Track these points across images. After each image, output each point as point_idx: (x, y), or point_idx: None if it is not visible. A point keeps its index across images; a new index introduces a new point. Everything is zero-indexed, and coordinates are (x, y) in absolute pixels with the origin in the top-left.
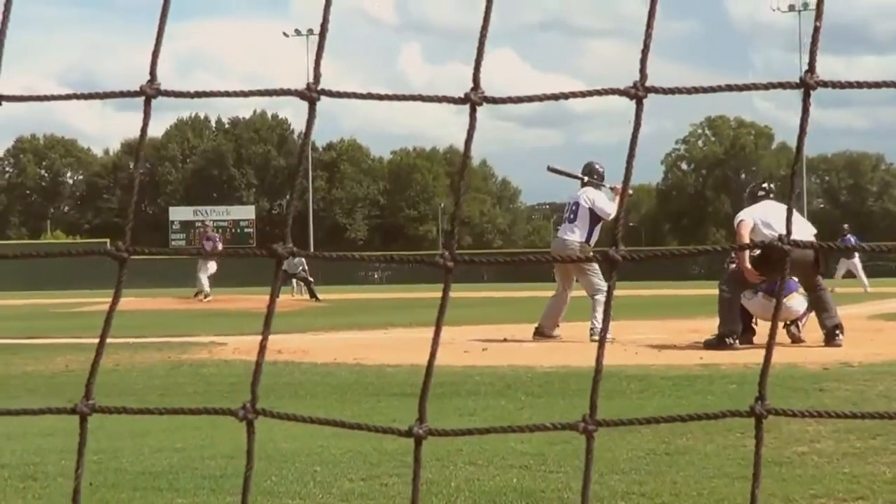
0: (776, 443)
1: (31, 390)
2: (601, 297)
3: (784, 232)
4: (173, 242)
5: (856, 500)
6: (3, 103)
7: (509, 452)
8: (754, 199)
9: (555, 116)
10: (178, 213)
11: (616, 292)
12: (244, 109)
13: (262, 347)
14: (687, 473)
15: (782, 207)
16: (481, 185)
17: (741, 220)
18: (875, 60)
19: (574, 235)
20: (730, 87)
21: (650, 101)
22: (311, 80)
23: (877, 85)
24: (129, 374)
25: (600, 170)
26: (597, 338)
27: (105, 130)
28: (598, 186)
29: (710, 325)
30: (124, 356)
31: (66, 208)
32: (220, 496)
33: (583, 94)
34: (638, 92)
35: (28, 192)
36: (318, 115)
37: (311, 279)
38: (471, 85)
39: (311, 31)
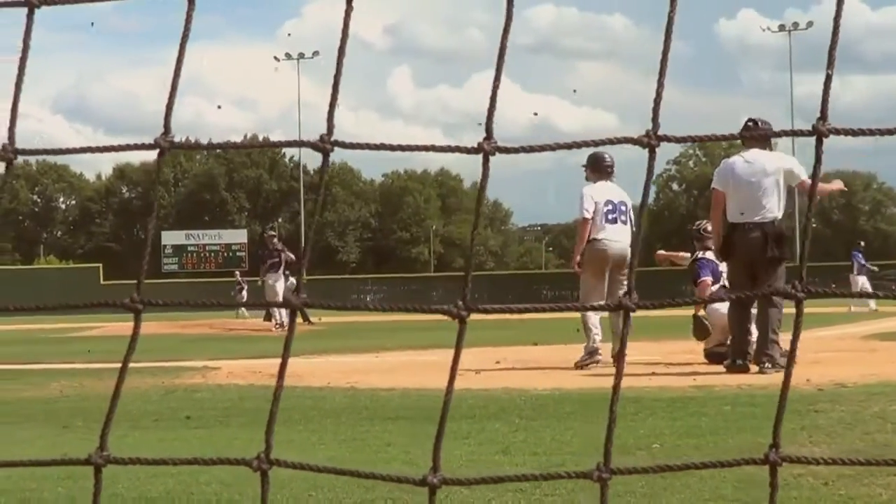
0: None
1: (28, 416)
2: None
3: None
4: (165, 267)
5: None
6: (19, 157)
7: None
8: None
9: (544, 138)
10: (171, 238)
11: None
12: (235, 134)
13: (277, 397)
14: (683, 496)
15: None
16: (473, 207)
17: (713, 187)
18: (866, 80)
19: (630, 238)
20: (742, 136)
21: (640, 121)
22: (324, 131)
23: (889, 132)
24: (123, 398)
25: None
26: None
27: (97, 156)
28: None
29: (700, 346)
30: None
31: (59, 233)
32: None
33: (595, 143)
34: (651, 141)
35: (21, 217)
36: (307, 137)
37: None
38: (482, 131)
39: (301, 56)
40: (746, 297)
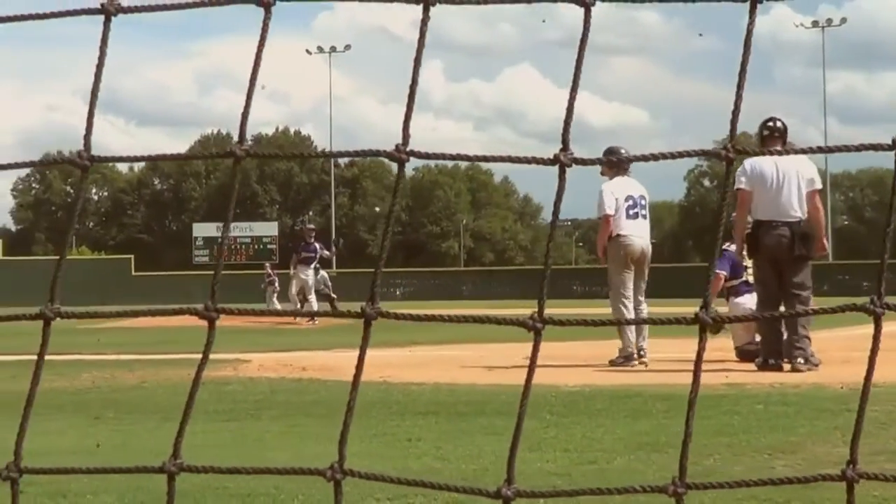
0: (804, 465)
1: (58, 407)
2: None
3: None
4: (197, 258)
5: None
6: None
7: (536, 473)
8: (763, 141)
9: (575, 133)
10: (202, 230)
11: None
12: (267, 126)
13: (350, 408)
14: (715, 495)
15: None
16: (503, 202)
17: (738, 187)
18: (894, 76)
19: (649, 232)
20: (821, 150)
21: (671, 118)
22: (399, 141)
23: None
24: (154, 391)
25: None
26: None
27: (130, 147)
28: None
29: (729, 344)
30: (149, 372)
31: (92, 224)
32: None
33: (672, 156)
34: (728, 154)
35: (54, 208)
36: (337, 131)
37: (334, 296)
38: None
39: (333, 49)
40: (775, 295)
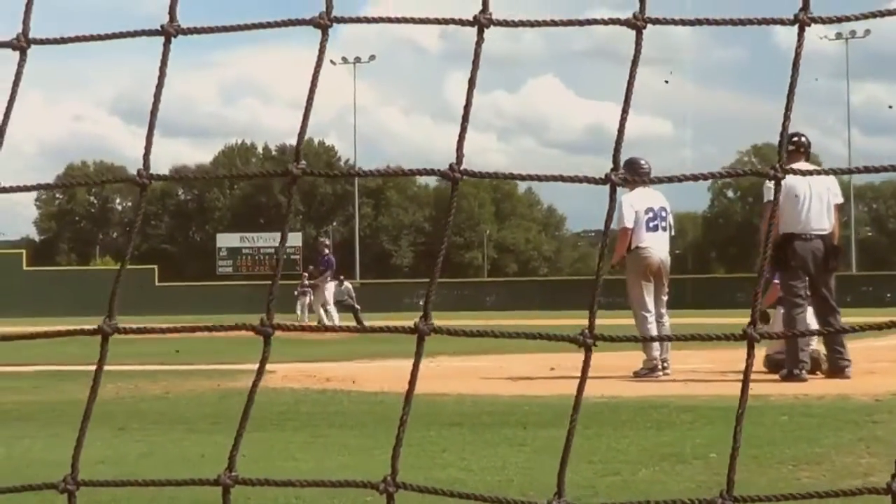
0: (829, 476)
1: (81, 418)
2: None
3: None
4: (220, 269)
5: None
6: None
7: None
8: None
9: (599, 143)
10: (225, 240)
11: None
12: (291, 137)
13: (403, 422)
14: None
15: (817, 177)
16: (527, 213)
17: (768, 200)
18: None
19: (669, 244)
20: (849, 171)
21: (695, 128)
22: (454, 161)
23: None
24: (179, 401)
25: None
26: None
27: (155, 157)
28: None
29: (759, 355)
30: (174, 383)
31: (115, 234)
32: None
33: (722, 176)
34: (777, 174)
35: (78, 218)
36: (361, 141)
37: (357, 306)
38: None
39: (358, 60)
40: (803, 305)
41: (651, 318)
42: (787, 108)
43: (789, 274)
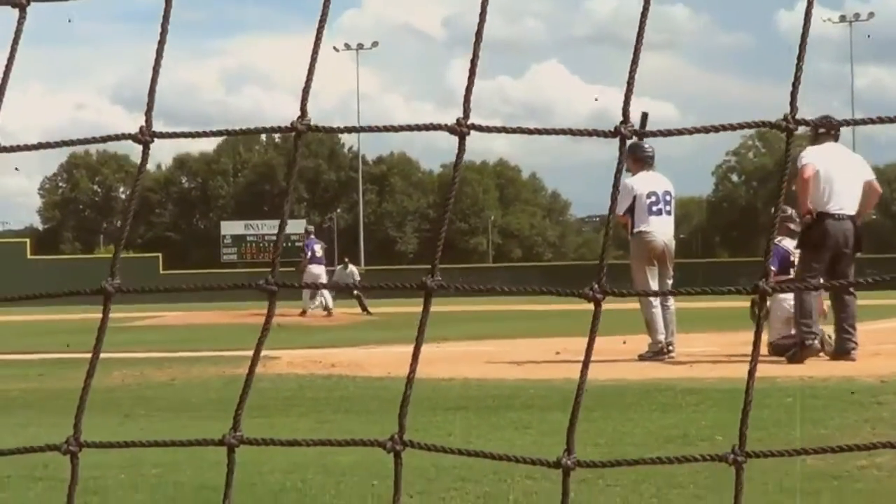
0: (834, 457)
1: (89, 406)
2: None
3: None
4: (225, 256)
5: None
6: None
7: None
8: (816, 137)
9: (605, 126)
10: (230, 228)
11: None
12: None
13: (410, 381)
14: (747, 488)
15: (848, 155)
16: (531, 198)
17: (805, 164)
18: None
19: (673, 228)
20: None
21: (698, 112)
22: (461, 115)
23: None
24: (185, 388)
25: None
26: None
27: (157, 146)
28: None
29: (764, 342)
30: (180, 370)
31: (119, 223)
32: None
33: (734, 127)
34: (789, 125)
35: (81, 206)
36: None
37: (359, 292)
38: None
39: (360, 46)
40: (815, 287)
41: (655, 302)
42: (799, 59)
43: (814, 254)
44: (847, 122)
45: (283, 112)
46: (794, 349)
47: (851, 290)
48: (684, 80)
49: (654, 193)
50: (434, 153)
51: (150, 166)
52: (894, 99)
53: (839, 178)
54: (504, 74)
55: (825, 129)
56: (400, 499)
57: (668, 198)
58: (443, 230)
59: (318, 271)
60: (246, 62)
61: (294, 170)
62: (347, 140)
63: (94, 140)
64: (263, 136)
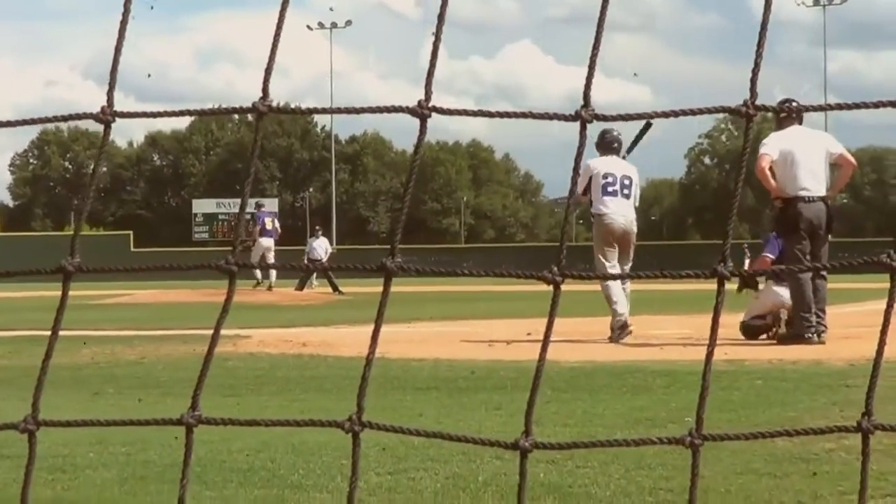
0: (803, 439)
1: (57, 383)
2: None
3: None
4: (196, 235)
5: (884, 497)
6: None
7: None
8: (780, 121)
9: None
10: (202, 206)
11: (640, 286)
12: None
13: (369, 362)
14: (714, 469)
15: (812, 137)
16: (504, 179)
17: (761, 153)
18: (894, 55)
19: (634, 214)
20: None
21: (672, 94)
22: (422, 98)
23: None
24: (154, 366)
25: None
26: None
27: (129, 122)
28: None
29: (734, 321)
30: (149, 348)
31: (90, 200)
32: (248, 489)
33: (693, 112)
34: (749, 110)
35: (52, 183)
36: (339, 106)
37: (327, 266)
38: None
39: (334, 25)
40: (799, 270)
41: (615, 283)
42: (759, 45)
43: (795, 238)
44: (808, 108)
45: (256, 91)
46: (791, 337)
47: (823, 273)
48: (658, 62)
49: (612, 174)
50: (407, 133)
51: (122, 143)
52: (866, 83)
53: (804, 160)
54: (476, 55)
55: (786, 114)
56: (357, 479)
57: (626, 181)
58: (403, 211)
59: (268, 244)
60: (218, 40)
61: (255, 151)
62: (320, 119)
63: (56, 119)
64: (236, 115)
